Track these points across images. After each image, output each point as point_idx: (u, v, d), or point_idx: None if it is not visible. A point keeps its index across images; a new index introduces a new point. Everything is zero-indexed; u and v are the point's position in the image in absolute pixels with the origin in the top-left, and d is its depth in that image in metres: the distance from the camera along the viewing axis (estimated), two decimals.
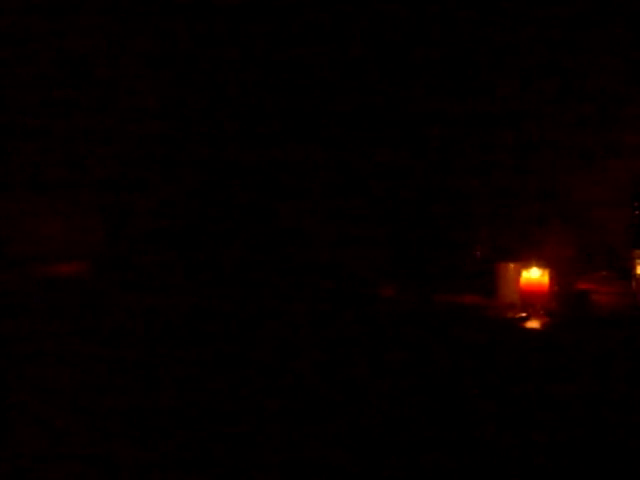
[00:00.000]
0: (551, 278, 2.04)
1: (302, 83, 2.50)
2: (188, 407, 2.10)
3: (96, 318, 2.16)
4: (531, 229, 2.31)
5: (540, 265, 2.04)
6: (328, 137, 2.50)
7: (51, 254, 2.31)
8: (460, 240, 2.37)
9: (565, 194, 2.36)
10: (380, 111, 2.52)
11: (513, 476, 1.88)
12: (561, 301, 2.05)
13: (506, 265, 2.14)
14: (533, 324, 1.97)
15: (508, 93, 2.46)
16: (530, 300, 2.03)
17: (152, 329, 2.15)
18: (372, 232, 2.44)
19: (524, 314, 2.01)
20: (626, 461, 1.77)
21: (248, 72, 2.50)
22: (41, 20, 2.33)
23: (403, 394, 2.01)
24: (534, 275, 2.03)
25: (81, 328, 2.14)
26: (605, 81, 2.34)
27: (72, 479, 2.05)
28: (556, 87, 2.40)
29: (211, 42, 2.49)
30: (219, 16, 2.47)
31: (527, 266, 2.05)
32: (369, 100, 2.51)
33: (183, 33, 2.46)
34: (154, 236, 2.39)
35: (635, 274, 2.03)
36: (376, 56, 2.50)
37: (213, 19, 2.48)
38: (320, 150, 2.50)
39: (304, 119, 2.50)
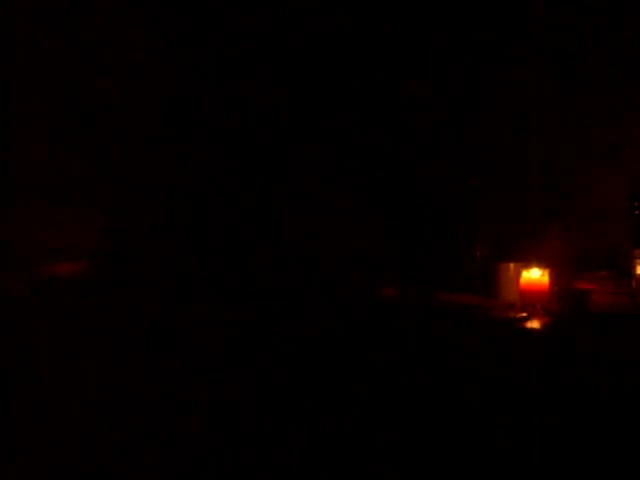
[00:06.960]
0: (551, 278, 2.04)
1: (298, 78, 2.50)
2: (187, 407, 2.10)
3: (96, 318, 2.15)
4: (531, 229, 2.31)
5: (540, 265, 2.04)
6: (327, 135, 2.50)
7: (51, 254, 2.31)
8: (460, 240, 2.37)
9: (565, 194, 2.36)
10: (380, 109, 2.52)
11: (512, 476, 1.88)
12: (561, 301, 2.05)
13: (506, 265, 2.14)
14: (533, 324, 1.97)
15: (510, 92, 2.46)
16: (530, 300, 2.03)
17: (152, 329, 2.15)
18: (372, 232, 2.44)
19: (524, 314, 2.01)
20: (626, 460, 1.77)
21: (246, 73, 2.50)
22: (44, 23, 2.33)
23: (402, 394, 2.01)
24: (534, 275, 2.04)
25: (81, 328, 2.14)
26: (605, 81, 2.35)
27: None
28: (557, 87, 2.40)
29: (209, 41, 2.49)
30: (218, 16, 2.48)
31: (527, 266, 2.05)
32: (369, 96, 2.51)
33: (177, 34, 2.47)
34: (154, 236, 2.39)
35: (635, 274, 2.03)
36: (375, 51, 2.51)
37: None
38: (319, 147, 2.50)
39: (302, 115, 2.50)
